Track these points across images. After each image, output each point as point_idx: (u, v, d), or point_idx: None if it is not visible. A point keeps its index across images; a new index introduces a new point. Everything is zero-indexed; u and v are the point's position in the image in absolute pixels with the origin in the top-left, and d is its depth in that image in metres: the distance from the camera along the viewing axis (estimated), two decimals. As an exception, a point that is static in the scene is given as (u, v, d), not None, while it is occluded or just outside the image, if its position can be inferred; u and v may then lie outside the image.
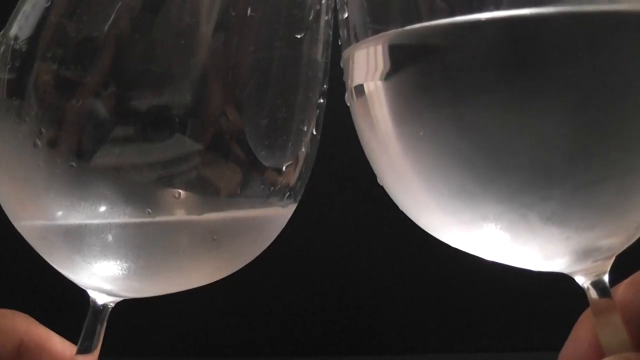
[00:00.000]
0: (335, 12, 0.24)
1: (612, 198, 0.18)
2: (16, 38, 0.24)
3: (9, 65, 0.24)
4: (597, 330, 0.23)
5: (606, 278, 0.21)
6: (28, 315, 0.27)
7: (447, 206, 0.19)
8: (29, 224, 0.24)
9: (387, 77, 0.19)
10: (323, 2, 0.25)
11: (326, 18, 0.26)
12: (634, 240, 0.20)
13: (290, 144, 0.25)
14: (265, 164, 0.25)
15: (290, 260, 0.67)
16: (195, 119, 0.23)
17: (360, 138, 0.22)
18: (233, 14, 0.24)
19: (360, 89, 0.20)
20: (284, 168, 0.25)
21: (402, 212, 0.22)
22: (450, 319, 0.69)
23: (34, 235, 0.25)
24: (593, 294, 0.21)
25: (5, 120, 0.24)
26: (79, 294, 0.26)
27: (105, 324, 0.25)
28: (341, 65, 0.23)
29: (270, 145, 0.25)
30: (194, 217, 0.24)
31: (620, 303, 0.23)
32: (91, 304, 0.26)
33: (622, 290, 0.23)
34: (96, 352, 0.25)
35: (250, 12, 0.24)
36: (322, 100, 0.26)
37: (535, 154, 0.17)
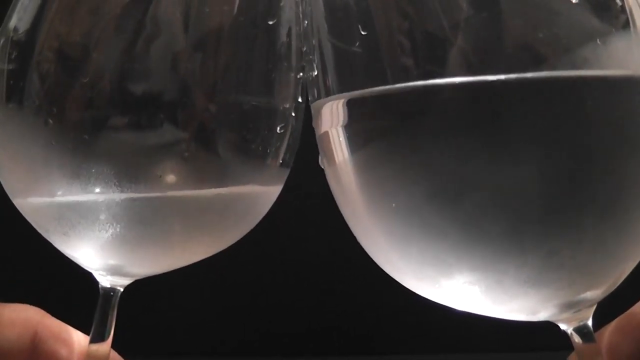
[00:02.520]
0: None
1: (588, 258, 0.18)
2: (15, 30, 0.26)
3: (10, 56, 0.25)
4: None
5: (590, 322, 0.21)
6: (40, 309, 0.28)
7: (420, 272, 0.18)
8: (31, 201, 0.26)
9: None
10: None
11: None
12: (616, 286, 0.20)
13: (274, 121, 0.26)
14: (252, 143, 0.26)
15: (290, 260, 0.68)
16: (184, 104, 0.24)
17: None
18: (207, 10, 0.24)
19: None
20: (269, 147, 0.26)
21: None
22: (450, 319, 0.66)
23: (38, 214, 0.26)
24: (577, 339, 0.21)
25: (7, 106, 0.25)
26: (88, 286, 0.27)
27: (115, 310, 0.27)
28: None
29: (255, 125, 0.26)
30: (186, 193, 0.25)
31: (607, 348, 0.23)
32: (100, 290, 0.27)
33: (608, 334, 0.24)
34: (109, 340, 0.26)
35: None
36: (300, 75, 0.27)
37: (508, 222, 0.17)
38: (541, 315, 0.19)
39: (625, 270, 0.21)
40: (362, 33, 0.18)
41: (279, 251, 0.67)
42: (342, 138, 0.18)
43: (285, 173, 0.27)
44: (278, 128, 0.26)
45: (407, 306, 0.70)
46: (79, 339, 0.27)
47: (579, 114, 0.16)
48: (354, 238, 0.24)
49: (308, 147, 0.25)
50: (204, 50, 0.25)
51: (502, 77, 0.16)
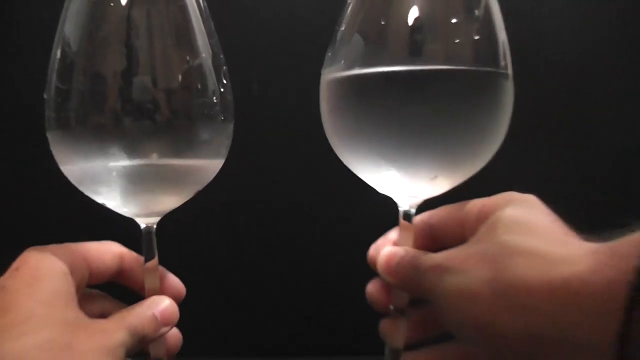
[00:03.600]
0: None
1: (422, 163, 0.36)
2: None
3: (60, 61, 0.38)
4: (398, 237, 0.42)
5: (413, 211, 0.41)
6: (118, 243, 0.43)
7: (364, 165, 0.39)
8: (73, 168, 0.39)
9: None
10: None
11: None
12: (436, 193, 0.39)
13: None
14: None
15: (290, 260, 0.72)
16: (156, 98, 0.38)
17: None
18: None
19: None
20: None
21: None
22: None
23: (78, 178, 0.39)
24: (401, 217, 0.41)
25: (55, 101, 0.38)
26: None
27: (154, 239, 0.43)
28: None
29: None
30: (163, 161, 0.39)
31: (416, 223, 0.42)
32: (142, 231, 0.42)
33: (418, 217, 0.42)
34: (156, 258, 0.42)
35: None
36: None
37: (404, 140, 0.36)
38: (409, 190, 0.38)
39: (445, 184, 0.39)
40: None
41: (279, 252, 0.72)
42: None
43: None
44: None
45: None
46: (140, 259, 0.43)
47: (437, 90, 0.35)
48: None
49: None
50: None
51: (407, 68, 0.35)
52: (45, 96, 0.39)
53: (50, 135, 0.39)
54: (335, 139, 0.40)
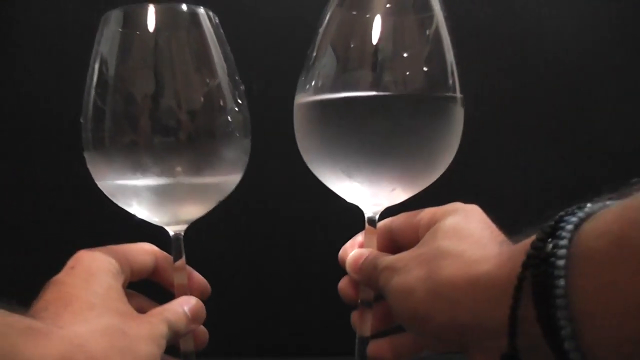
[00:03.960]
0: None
1: (381, 178, 0.41)
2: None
3: (97, 89, 0.42)
4: (364, 240, 0.47)
5: (376, 217, 0.46)
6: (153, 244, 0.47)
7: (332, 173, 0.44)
8: (109, 183, 0.43)
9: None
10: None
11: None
12: (395, 202, 0.44)
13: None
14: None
15: (290, 260, 0.74)
16: (182, 124, 0.42)
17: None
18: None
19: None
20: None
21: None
22: None
23: (113, 191, 0.44)
24: (367, 222, 0.46)
25: (91, 125, 0.42)
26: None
27: (182, 244, 0.47)
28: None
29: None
30: (188, 179, 0.43)
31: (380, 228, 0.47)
32: (172, 237, 0.47)
33: (381, 223, 0.47)
34: (184, 258, 0.47)
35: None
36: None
37: (366, 154, 0.41)
38: (371, 200, 0.43)
39: (403, 195, 0.44)
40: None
41: (280, 252, 0.74)
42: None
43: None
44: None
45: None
46: (170, 258, 0.47)
47: (394, 113, 0.40)
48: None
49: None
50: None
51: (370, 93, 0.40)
52: (81, 120, 0.44)
53: (87, 155, 0.44)
54: (306, 156, 0.45)
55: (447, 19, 0.43)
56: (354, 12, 0.42)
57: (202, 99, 0.43)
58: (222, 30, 0.46)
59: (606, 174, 0.73)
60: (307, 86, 0.44)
